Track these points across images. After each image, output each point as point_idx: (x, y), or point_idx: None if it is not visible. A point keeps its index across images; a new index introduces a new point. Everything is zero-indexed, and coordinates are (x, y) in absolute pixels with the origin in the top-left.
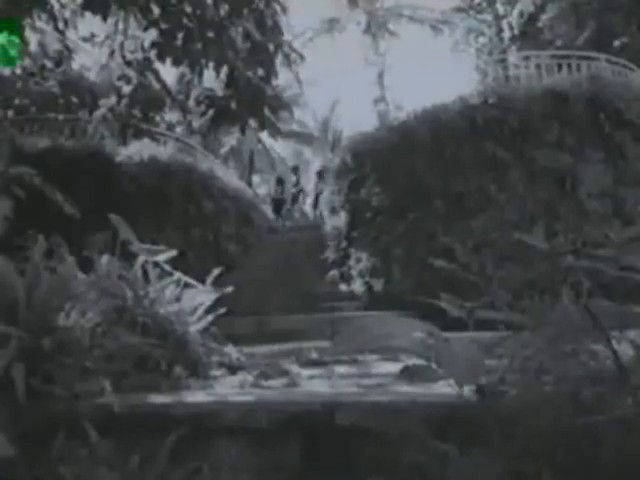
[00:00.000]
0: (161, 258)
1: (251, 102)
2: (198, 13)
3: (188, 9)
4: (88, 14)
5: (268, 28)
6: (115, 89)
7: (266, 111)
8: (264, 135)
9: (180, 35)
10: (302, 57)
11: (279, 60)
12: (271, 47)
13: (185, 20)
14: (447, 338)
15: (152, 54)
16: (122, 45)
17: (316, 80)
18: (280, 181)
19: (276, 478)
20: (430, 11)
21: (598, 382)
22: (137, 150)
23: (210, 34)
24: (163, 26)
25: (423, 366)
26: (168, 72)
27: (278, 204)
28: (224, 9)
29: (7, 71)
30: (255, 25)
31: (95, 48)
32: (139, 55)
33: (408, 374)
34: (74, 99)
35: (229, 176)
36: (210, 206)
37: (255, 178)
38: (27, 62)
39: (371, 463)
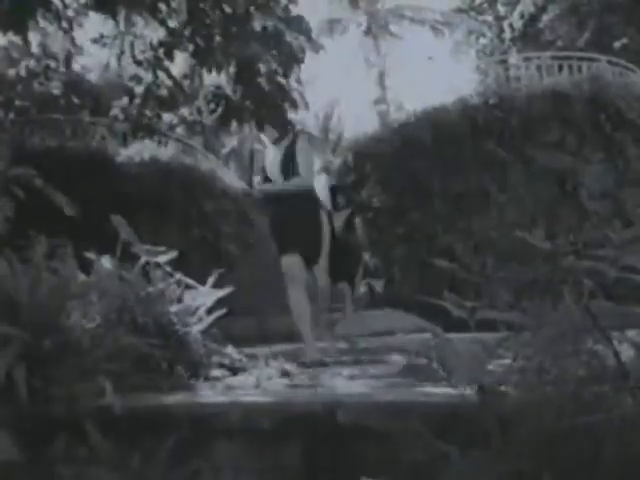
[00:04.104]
0: (162, 259)
1: (269, 98)
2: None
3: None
4: (92, 14)
5: (284, 20)
6: (125, 90)
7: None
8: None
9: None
10: (322, 47)
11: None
12: (289, 39)
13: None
14: (449, 338)
15: (161, 52)
16: (132, 45)
17: (316, 80)
18: None
19: (277, 478)
20: (431, 12)
21: (599, 382)
22: (138, 151)
23: (233, 28)
24: (171, 25)
25: (424, 365)
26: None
27: None
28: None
29: (11, 72)
30: (265, 19)
31: (100, 48)
32: (149, 54)
33: (410, 373)
34: (75, 100)
35: (230, 176)
36: (211, 206)
37: (256, 179)
38: (31, 63)
39: (372, 464)
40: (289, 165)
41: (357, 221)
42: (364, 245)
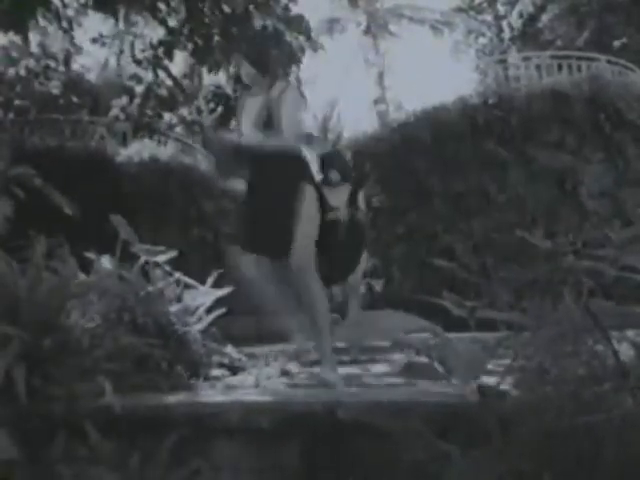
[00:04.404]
0: (161, 258)
1: None
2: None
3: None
4: (91, 13)
5: (283, 19)
6: (124, 89)
7: None
8: None
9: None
10: (321, 46)
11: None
12: (289, 38)
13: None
14: (449, 337)
15: (160, 52)
16: (132, 44)
17: (316, 80)
18: None
19: (277, 478)
20: (430, 12)
21: (599, 382)
22: (137, 150)
23: (233, 28)
24: (171, 23)
25: (425, 364)
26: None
27: None
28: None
29: (11, 71)
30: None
31: (99, 48)
32: (149, 53)
33: (410, 372)
34: (75, 99)
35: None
36: (210, 206)
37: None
38: (30, 62)
39: (372, 463)
40: (270, 120)
41: (360, 200)
42: (365, 234)
